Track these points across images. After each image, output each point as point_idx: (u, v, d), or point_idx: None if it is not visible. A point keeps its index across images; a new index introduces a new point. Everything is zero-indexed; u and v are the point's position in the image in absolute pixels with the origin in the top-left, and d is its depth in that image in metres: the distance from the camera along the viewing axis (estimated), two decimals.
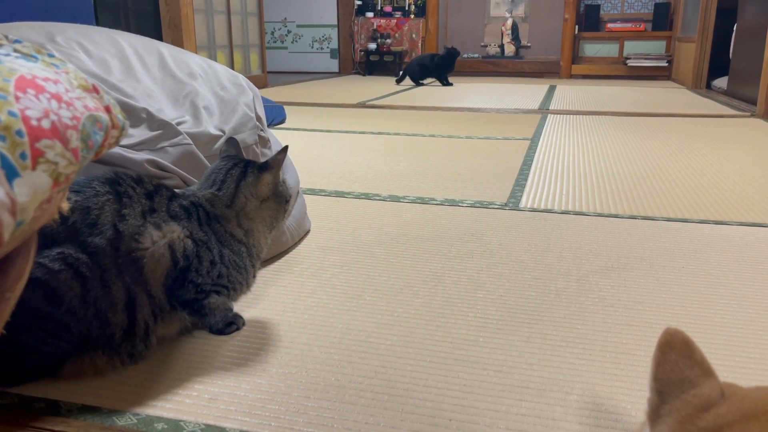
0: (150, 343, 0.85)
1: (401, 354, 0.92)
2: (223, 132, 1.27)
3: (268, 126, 2.82)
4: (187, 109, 1.28)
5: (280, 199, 0.97)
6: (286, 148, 0.98)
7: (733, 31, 4.63)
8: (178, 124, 1.21)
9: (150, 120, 1.16)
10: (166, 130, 1.16)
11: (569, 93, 4.78)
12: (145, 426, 0.73)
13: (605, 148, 2.51)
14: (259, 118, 1.40)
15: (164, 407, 0.77)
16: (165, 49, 1.42)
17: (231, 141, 1.00)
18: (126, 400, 0.78)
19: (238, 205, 0.93)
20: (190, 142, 1.17)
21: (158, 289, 0.83)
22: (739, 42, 4.45)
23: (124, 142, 1.10)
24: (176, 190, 0.92)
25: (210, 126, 1.26)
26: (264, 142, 1.40)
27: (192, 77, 1.37)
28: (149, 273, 0.82)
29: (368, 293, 1.13)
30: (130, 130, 1.13)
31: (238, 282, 0.93)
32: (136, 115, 1.15)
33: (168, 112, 1.24)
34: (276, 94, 4.49)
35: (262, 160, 1.39)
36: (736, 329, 1.00)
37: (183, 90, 1.32)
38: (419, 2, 6.36)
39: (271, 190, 0.95)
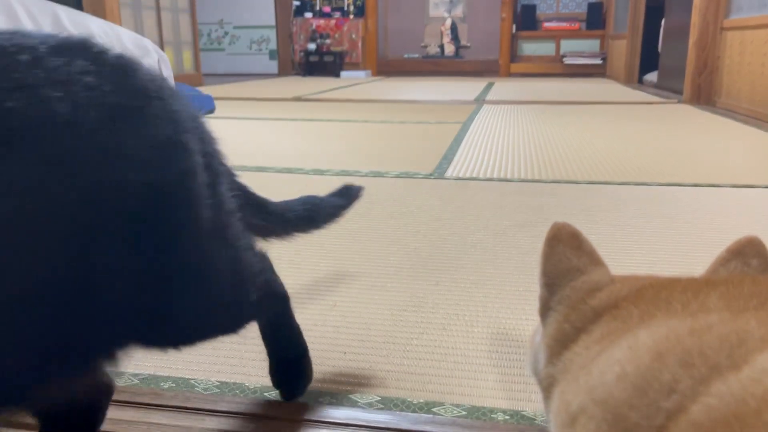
0: None
1: (303, 300, 0.87)
2: None
3: None
4: None
5: None
6: None
7: (661, 27, 4.78)
8: None
9: None
10: None
11: (507, 88, 4.85)
12: None
13: (536, 129, 2.53)
14: None
15: None
16: (61, 10, 1.33)
17: None
18: None
19: None
20: None
21: None
22: (666, 38, 4.60)
23: None
24: None
25: None
26: None
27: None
28: None
29: (276, 250, 1.07)
30: None
31: None
32: None
33: None
34: (209, 91, 4.38)
35: None
36: (647, 270, 0.99)
37: None
38: (358, 2, 6.35)
39: None
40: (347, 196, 0.78)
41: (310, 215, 0.67)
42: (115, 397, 0.62)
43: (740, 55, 3.10)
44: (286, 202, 0.67)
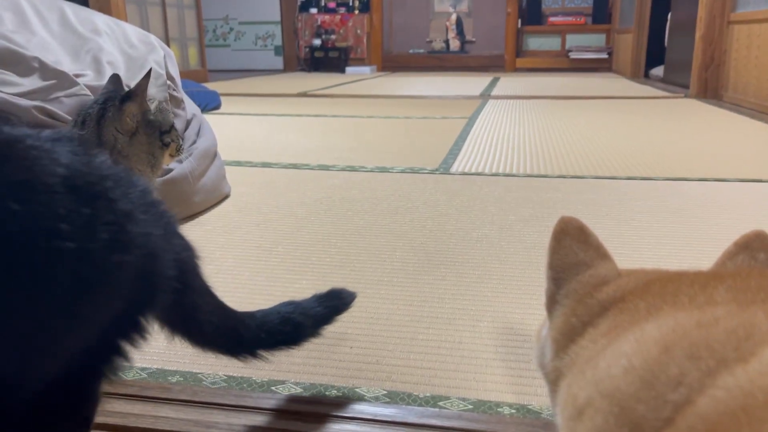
0: None
1: (306, 294, 0.87)
2: (129, 87, 1.20)
3: (202, 111, 2.72)
4: (89, 63, 1.21)
5: (152, 129, 0.88)
6: (150, 71, 0.90)
7: (667, 21, 4.75)
8: (77, 76, 1.13)
9: (43, 70, 1.09)
10: (61, 80, 1.08)
11: (512, 83, 4.83)
12: None
13: (542, 124, 2.52)
14: (170, 77, 1.33)
15: None
16: (68, 7, 1.34)
17: (113, 77, 0.92)
18: None
19: (108, 143, 0.84)
20: (89, 93, 1.10)
21: None
22: (673, 32, 4.57)
23: (11, 90, 1.02)
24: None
25: None
26: (177, 102, 1.34)
27: (96, 33, 1.29)
28: None
29: (283, 246, 1.08)
30: (19, 79, 1.05)
31: None
32: (26, 64, 1.08)
33: (66, 65, 1.16)
34: (215, 87, 4.38)
35: (176, 120, 1.32)
36: (654, 264, 0.98)
37: (85, 45, 1.25)
38: None
39: (137, 120, 0.87)
40: (334, 306, 0.64)
41: (286, 337, 0.59)
42: (123, 390, 0.62)
43: (747, 48, 3.08)
44: (264, 317, 0.59)
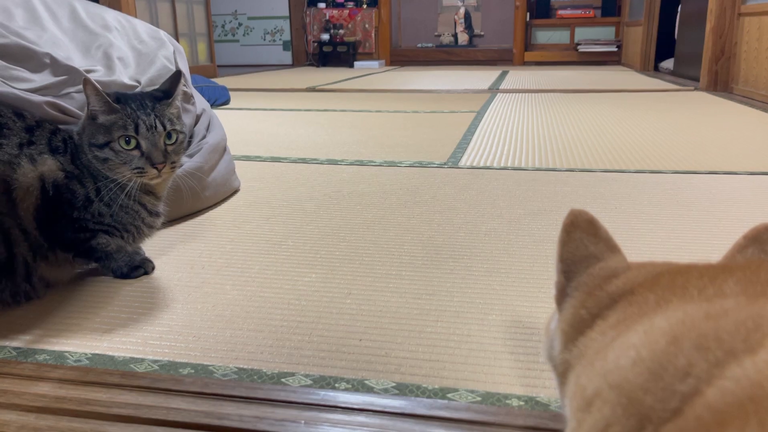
0: (34, 283, 0.79)
1: (318, 288, 0.88)
2: (139, 83, 1.21)
3: (211, 106, 2.73)
4: (99, 59, 1.22)
5: None
6: (179, 73, 0.91)
7: (677, 14, 4.71)
8: (88, 72, 1.14)
9: (54, 66, 1.09)
10: (72, 75, 1.09)
11: (521, 76, 4.81)
12: (25, 357, 0.67)
13: (551, 118, 2.51)
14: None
15: (49, 341, 0.71)
16: (78, 3, 1.35)
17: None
18: (7, 336, 0.72)
19: None
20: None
21: (30, 224, 0.78)
22: (683, 24, 4.53)
23: (23, 86, 1.03)
24: (62, 126, 0.86)
25: (124, 76, 1.20)
26: (187, 97, 1.34)
27: (106, 29, 1.30)
28: (20, 204, 0.77)
29: (292, 240, 1.08)
30: (31, 75, 1.06)
31: (129, 222, 0.87)
32: (37, 60, 1.08)
33: (77, 61, 1.17)
34: (224, 82, 4.39)
35: (185, 116, 1.33)
36: (664, 257, 0.98)
37: (95, 41, 1.25)
38: None
39: None
40: None
41: None
42: (135, 382, 0.63)
43: (758, 41, 3.05)
44: None
